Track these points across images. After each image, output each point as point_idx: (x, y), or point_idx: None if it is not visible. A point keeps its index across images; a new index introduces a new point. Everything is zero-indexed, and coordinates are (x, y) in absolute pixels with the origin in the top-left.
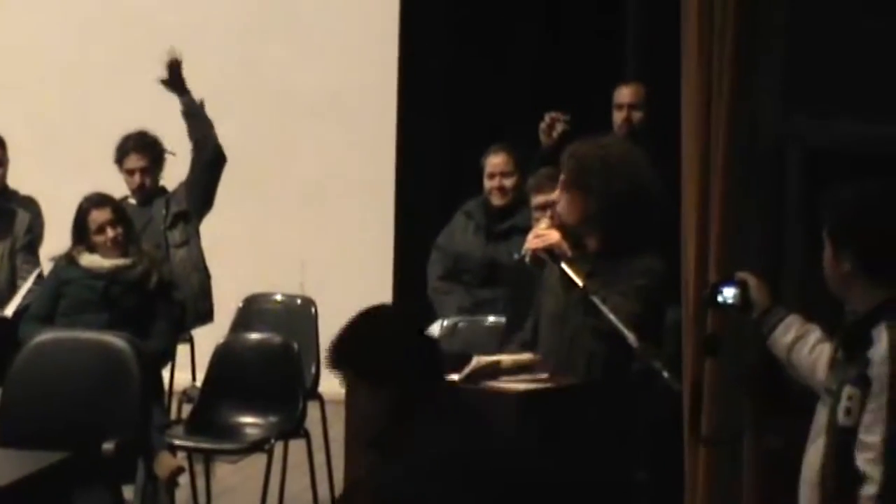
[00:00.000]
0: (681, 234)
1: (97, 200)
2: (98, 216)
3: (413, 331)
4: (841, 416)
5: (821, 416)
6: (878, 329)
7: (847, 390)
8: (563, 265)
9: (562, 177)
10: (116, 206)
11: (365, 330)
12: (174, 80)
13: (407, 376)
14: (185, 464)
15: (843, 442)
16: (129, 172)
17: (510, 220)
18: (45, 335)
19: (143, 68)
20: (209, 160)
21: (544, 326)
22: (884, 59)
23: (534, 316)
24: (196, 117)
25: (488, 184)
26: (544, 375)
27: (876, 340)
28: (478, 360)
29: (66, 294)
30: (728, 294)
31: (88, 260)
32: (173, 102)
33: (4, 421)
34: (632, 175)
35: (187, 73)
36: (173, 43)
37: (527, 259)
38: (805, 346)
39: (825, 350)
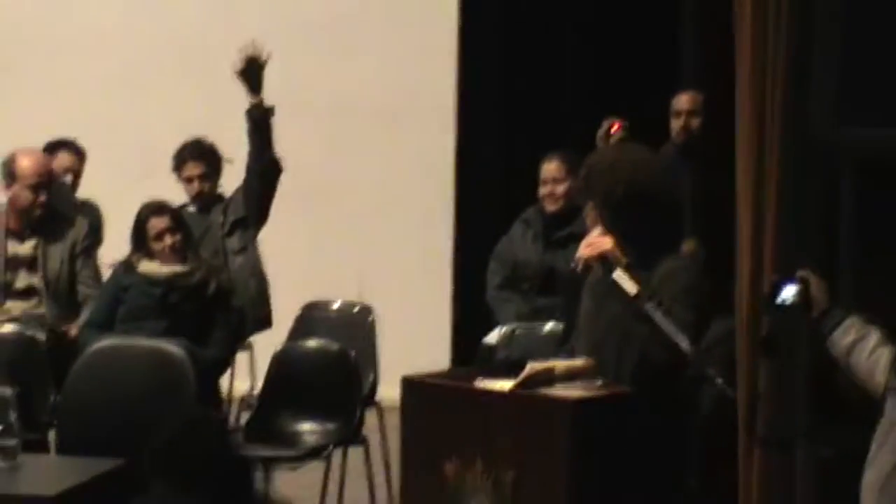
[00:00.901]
0: (735, 242)
1: (156, 208)
2: (157, 223)
3: (219, 440)
4: None
5: (891, 412)
6: None
7: None
8: (618, 272)
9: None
10: (175, 213)
11: (173, 442)
12: (250, 74)
13: (215, 481)
14: None
15: None
16: (188, 180)
17: (568, 227)
18: (103, 342)
19: (202, 77)
20: (264, 171)
21: (580, 328)
22: None
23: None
24: (258, 124)
25: (541, 190)
26: (599, 382)
27: None
28: (532, 367)
29: (124, 301)
30: (788, 293)
31: (147, 267)
32: (234, 109)
33: (62, 428)
34: (630, 179)
35: None
36: (231, 51)
37: (579, 268)
38: (865, 348)
39: (885, 353)
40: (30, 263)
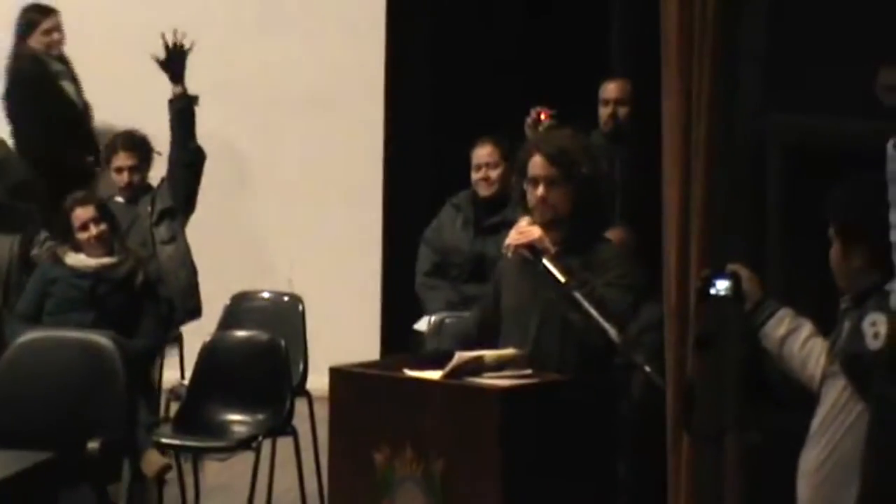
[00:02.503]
0: (662, 228)
1: (80, 198)
2: (81, 214)
3: None
4: (870, 341)
5: (829, 397)
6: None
7: (871, 317)
8: (546, 261)
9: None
10: (100, 203)
11: None
12: (173, 63)
13: None
14: (173, 462)
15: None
16: (118, 171)
17: (499, 214)
18: (30, 334)
19: (132, 64)
20: (188, 161)
21: (506, 322)
22: (861, 54)
23: (482, 307)
24: (181, 114)
25: (474, 175)
26: (528, 371)
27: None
28: (460, 356)
29: (52, 293)
30: (721, 286)
31: (74, 259)
32: (161, 100)
33: None
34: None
35: None
36: (159, 38)
37: (509, 255)
38: (797, 340)
39: (818, 344)
40: None
